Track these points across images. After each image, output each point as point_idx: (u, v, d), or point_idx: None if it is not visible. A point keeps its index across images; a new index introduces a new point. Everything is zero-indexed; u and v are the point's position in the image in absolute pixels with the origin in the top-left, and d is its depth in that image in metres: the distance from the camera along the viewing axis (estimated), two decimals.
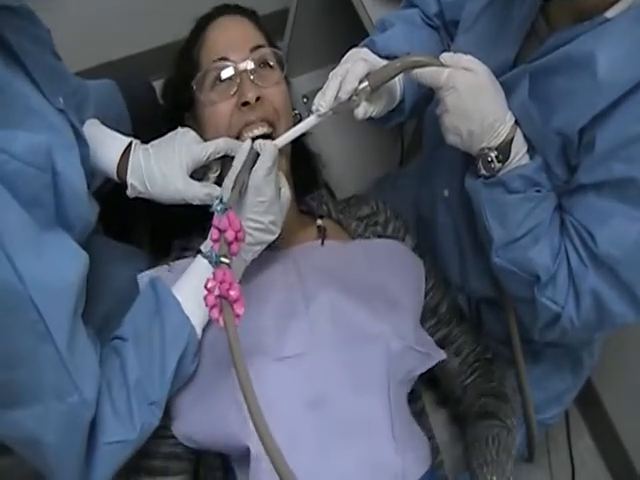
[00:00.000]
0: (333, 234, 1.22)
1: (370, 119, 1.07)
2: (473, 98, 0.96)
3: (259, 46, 1.14)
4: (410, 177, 1.53)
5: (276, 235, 1.05)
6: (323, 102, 0.98)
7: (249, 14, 1.20)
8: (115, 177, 1.09)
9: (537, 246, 1.00)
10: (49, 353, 0.83)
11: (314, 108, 1.00)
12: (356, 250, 1.20)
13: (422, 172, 1.41)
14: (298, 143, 1.16)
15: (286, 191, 1.07)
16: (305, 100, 2.10)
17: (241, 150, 1.02)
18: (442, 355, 1.16)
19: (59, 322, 0.83)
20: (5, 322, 0.78)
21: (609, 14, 0.91)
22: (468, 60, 0.98)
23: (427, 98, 1.17)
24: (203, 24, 1.18)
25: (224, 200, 0.94)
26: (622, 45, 0.91)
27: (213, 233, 0.92)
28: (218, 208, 0.93)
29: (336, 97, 0.98)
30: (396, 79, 1.08)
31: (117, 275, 1.19)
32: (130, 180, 1.08)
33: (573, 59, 0.94)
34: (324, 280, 1.11)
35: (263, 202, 1.00)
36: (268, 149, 1.01)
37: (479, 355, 1.27)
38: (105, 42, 1.89)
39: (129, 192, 1.09)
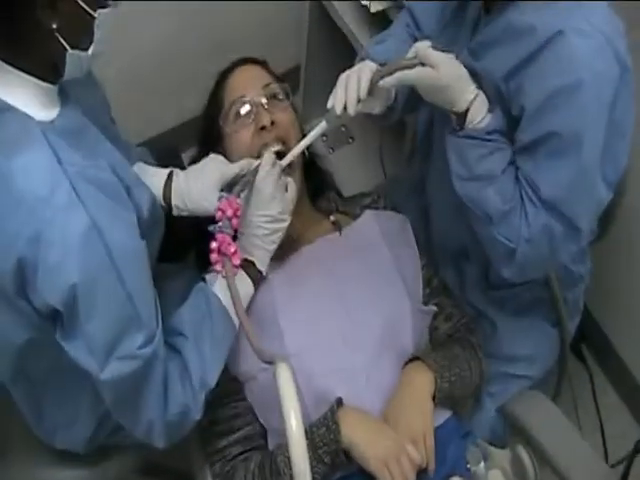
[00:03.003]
0: (343, 224, 1.47)
1: (371, 116, 1.25)
2: (436, 91, 1.15)
3: (269, 84, 1.39)
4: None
5: (287, 222, 1.27)
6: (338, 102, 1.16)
7: (259, 62, 1.46)
8: (162, 202, 1.29)
9: (489, 188, 1.17)
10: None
11: (329, 105, 1.18)
12: (369, 220, 1.46)
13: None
14: (309, 160, 1.44)
15: (292, 184, 1.30)
16: (324, 139, 2.41)
17: (265, 158, 1.27)
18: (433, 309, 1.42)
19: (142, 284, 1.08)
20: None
21: None
22: (435, 55, 1.13)
23: (416, 98, 1.27)
24: (224, 75, 1.45)
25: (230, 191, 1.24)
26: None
27: (217, 214, 1.19)
28: (220, 196, 1.22)
29: (358, 98, 1.15)
30: None
31: (169, 291, 1.32)
32: (174, 202, 1.27)
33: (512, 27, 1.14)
34: (350, 266, 1.36)
35: (264, 199, 1.24)
36: (266, 157, 1.27)
37: (466, 323, 1.46)
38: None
39: (174, 212, 1.29)
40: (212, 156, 1.32)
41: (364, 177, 2.21)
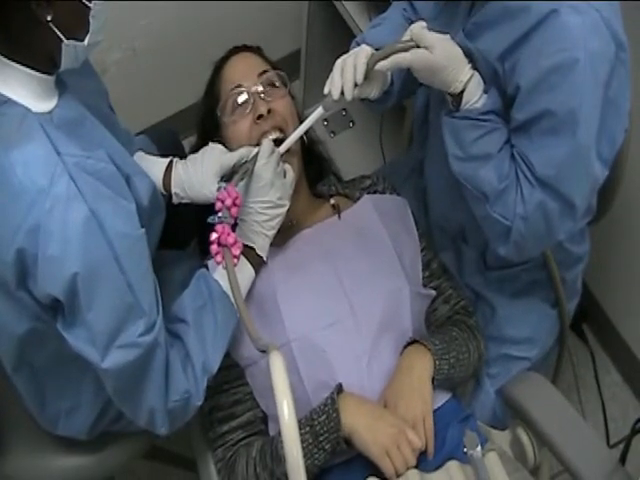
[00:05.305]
0: (343, 207, 1.48)
1: (368, 101, 1.27)
2: (432, 73, 1.16)
3: (264, 71, 1.38)
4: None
5: (286, 207, 1.29)
6: (334, 88, 1.17)
7: (253, 49, 1.46)
8: (163, 190, 1.31)
9: (485, 167, 1.19)
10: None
11: (326, 90, 1.18)
12: (367, 203, 1.47)
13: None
14: (308, 147, 1.45)
15: (290, 171, 1.32)
16: (325, 123, 2.47)
17: (263, 146, 1.28)
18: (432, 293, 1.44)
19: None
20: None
21: None
22: (430, 36, 1.14)
23: (413, 83, 1.30)
24: (220, 65, 1.44)
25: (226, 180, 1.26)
26: None
27: (217, 204, 1.20)
28: (219, 187, 1.24)
29: (355, 83, 1.15)
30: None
31: (170, 279, 1.35)
32: (174, 190, 1.30)
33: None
34: (348, 249, 1.38)
35: (263, 185, 1.26)
36: (264, 145, 1.28)
37: (464, 306, 1.48)
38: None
39: (174, 199, 1.31)
40: (211, 145, 1.34)
41: (364, 161, 2.23)
